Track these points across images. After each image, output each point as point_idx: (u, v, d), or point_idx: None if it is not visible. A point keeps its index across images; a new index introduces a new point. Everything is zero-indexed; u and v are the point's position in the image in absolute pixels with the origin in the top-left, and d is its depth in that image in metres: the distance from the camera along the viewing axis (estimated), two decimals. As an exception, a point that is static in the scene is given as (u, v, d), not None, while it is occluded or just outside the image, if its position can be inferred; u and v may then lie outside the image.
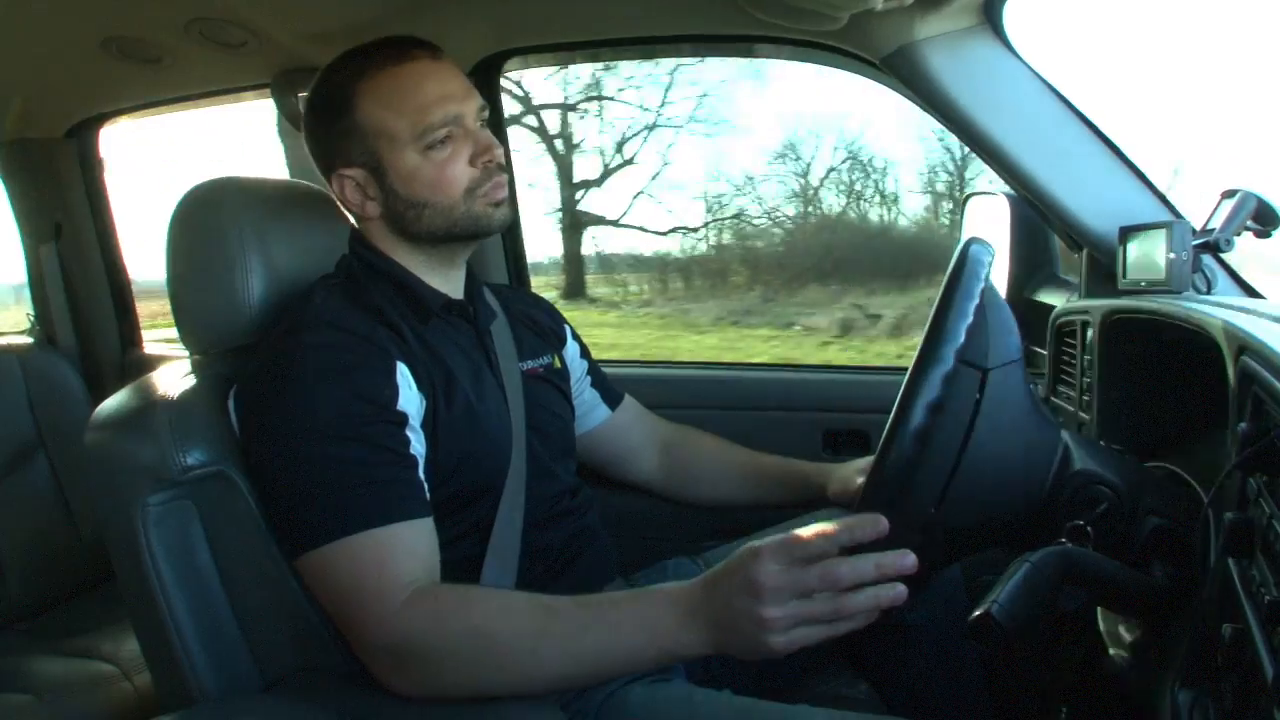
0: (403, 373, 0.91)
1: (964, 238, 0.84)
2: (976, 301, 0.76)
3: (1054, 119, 1.22)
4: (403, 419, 0.89)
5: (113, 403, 0.96)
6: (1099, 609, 0.88)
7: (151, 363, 1.91)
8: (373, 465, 0.85)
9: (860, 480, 1.09)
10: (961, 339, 0.74)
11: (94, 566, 1.66)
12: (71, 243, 1.93)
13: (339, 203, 1.01)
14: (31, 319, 2.02)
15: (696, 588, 0.78)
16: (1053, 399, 1.29)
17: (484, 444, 0.96)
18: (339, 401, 0.86)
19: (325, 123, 0.98)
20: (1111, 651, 0.84)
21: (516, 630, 0.80)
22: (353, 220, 1.04)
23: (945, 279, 0.78)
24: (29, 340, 1.88)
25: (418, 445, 0.90)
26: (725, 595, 0.75)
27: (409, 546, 0.85)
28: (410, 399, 0.91)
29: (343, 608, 0.84)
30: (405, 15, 1.30)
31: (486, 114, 1.00)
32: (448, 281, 1.04)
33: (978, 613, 0.67)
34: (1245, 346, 0.68)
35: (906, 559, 0.70)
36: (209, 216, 0.99)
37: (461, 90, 0.97)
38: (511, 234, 1.67)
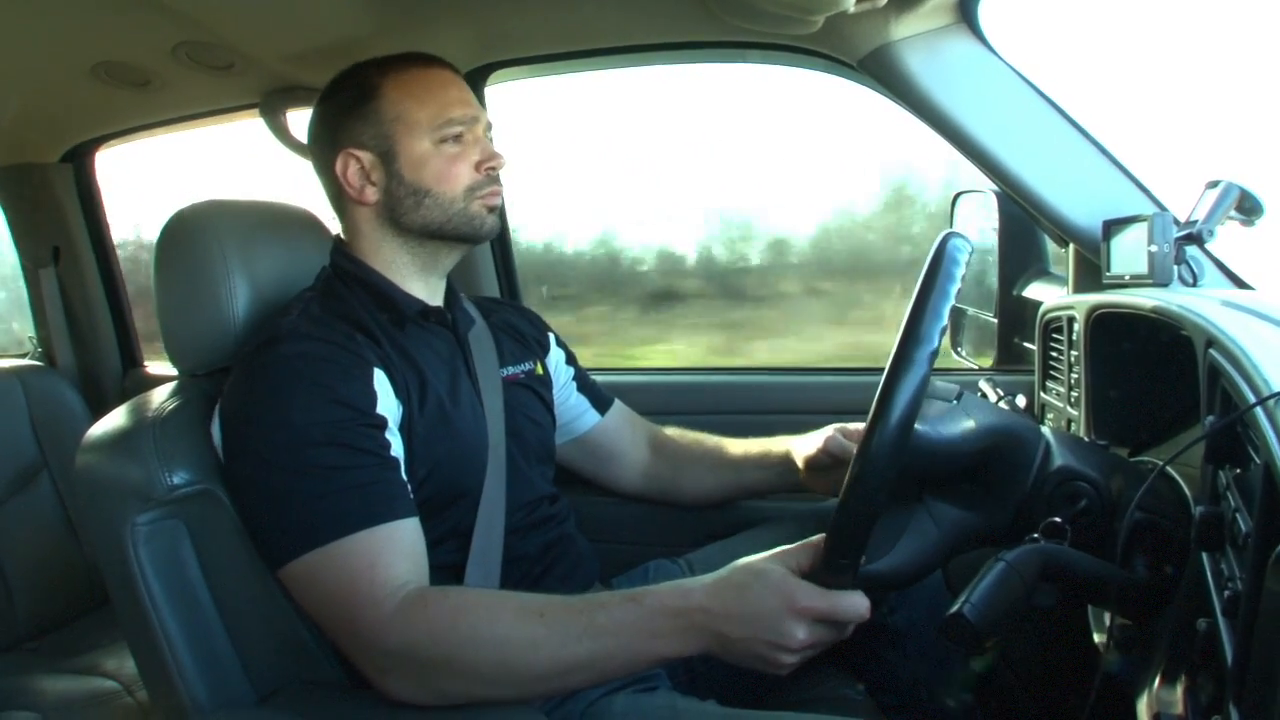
0: (380, 379, 0.91)
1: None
2: (954, 292, 0.75)
3: (1034, 114, 1.22)
4: (382, 422, 0.90)
5: (101, 425, 0.97)
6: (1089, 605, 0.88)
7: (153, 383, 1.92)
8: (355, 469, 0.86)
9: (816, 450, 1.13)
10: (936, 336, 0.74)
11: (98, 586, 1.68)
12: (70, 266, 1.95)
13: (340, 180, 1.01)
14: (33, 341, 2.04)
15: (700, 596, 0.79)
16: (1042, 395, 1.29)
17: (458, 449, 0.97)
18: (317, 408, 0.86)
19: (345, 105, 1.02)
20: (1099, 645, 0.84)
21: (514, 637, 0.80)
22: (339, 228, 1.06)
23: (922, 273, 0.76)
24: (30, 362, 1.91)
25: (398, 448, 0.91)
26: (743, 609, 0.77)
27: (397, 547, 0.85)
28: (388, 405, 0.91)
29: (335, 614, 0.84)
30: (389, 33, 1.31)
31: (492, 133, 1.06)
32: (427, 287, 1.05)
33: (950, 613, 0.67)
34: (1212, 340, 0.68)
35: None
36: (194, 239, 1.00)
37: (476, 103, 1.04)
38: (502, 247, 1.69)
